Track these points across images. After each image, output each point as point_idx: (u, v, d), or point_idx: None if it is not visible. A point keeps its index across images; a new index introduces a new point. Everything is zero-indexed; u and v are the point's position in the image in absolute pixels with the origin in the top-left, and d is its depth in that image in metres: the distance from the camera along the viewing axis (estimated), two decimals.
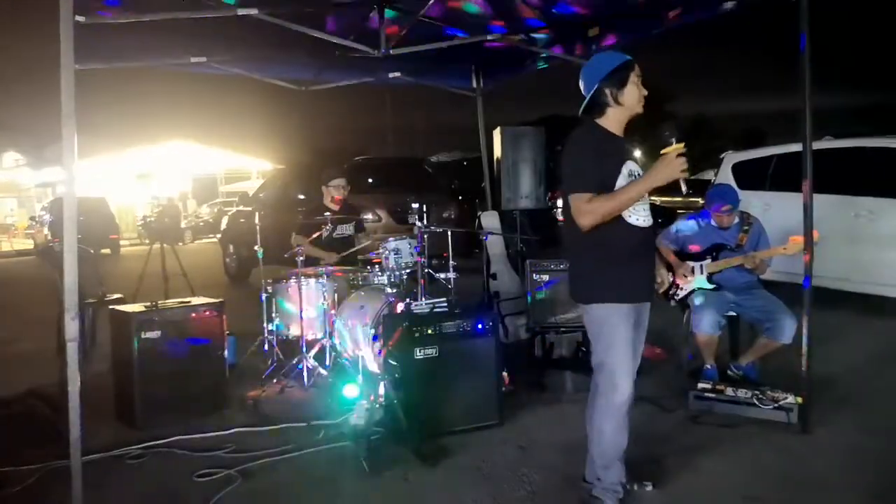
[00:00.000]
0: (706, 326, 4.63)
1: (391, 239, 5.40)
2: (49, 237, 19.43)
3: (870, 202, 6.83)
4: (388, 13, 5.29)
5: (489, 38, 5.76)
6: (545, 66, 6.68)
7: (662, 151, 2.83)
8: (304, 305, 5.30)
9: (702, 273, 4.87)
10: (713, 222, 4.89)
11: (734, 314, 4.92)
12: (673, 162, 2.79)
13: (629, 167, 2.93)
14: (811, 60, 3.80)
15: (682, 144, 2.81)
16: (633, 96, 2.98)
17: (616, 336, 2.95)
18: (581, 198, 2.86)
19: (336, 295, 5.40)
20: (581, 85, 3.04)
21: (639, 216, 2.97)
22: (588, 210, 2.84)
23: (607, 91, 2.97)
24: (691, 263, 4.91)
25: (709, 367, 4.74)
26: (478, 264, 6.82)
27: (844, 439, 3.88)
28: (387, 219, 9.77)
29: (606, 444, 3.05)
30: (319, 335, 5.39)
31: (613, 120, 3.01)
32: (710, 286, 4.84)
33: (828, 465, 3.57)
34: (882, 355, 5.58)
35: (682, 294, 4.96)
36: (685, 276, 4.90)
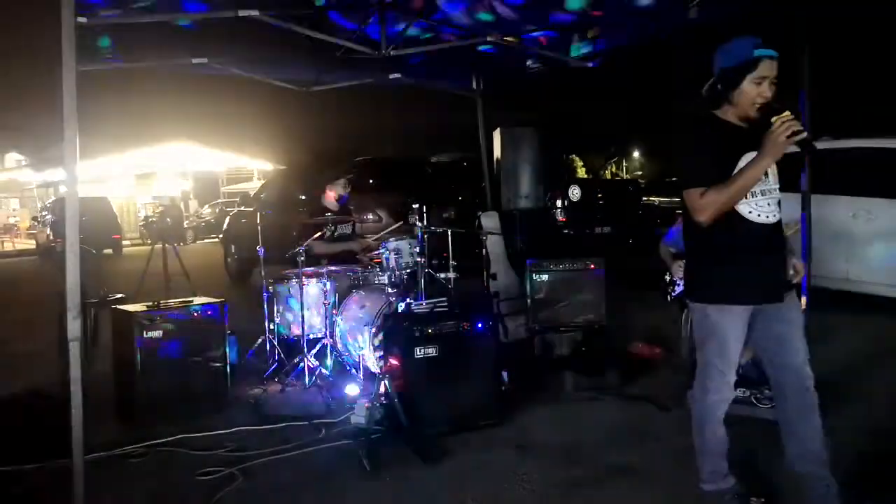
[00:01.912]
0: None
1: (391, 239, 5.42)
2: (51, 237, 19.47)
3: (868, 202, 6.84)
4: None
5: (488, 39, 5.77)
6: (545, 67, 6.69)
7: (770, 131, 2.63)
8: (305, 305, 5.32)
9: None
10: None
11: None
12: (774, 132, 2.58)
13: (750, 157, 2.70)
14: (811, 59, 3.82)
15: (785, 113, 2.61)
16: (746, 98, 2.72)
17: (724, 338, 2.86)
18: (694, 193, 2.70)
19: (337, 294, 5.43)
20: (713, 66, 2.81)
21: (759, 210, 2.76)
22: (702, 205, 2.68)
23: (719, 86, 2.77)
24: None
25: None
26: (478, 264, 6.83)
27: (843, 440, 3.86)
28: (387, 219, 9.78)
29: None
30: (320, 335, 5.41)
31: (729, 113, 2.81)
32: None
33: (830, 466, 3.56)
34: (881, 356, 5.58)
35: (679, 290, 4.98)
36: (681, 274, 4.92)
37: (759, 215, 2.76)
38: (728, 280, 2.79)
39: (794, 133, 2.56)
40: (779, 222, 2.84)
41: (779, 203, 2.84)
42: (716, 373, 2.93)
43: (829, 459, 2.96)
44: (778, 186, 2.84)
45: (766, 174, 2.76)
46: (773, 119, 2.60)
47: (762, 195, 2.77)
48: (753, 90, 2.69)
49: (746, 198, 2.74)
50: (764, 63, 2.68)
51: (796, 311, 2.93)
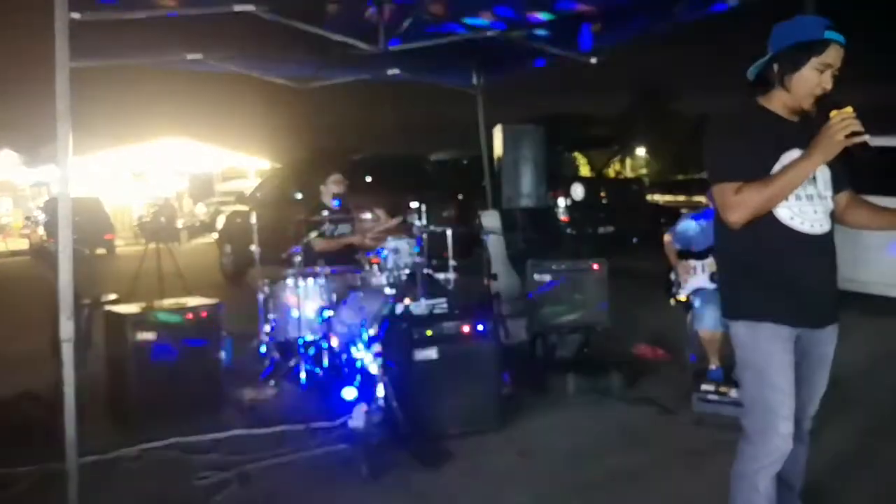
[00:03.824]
0: (709, 322, 4.60)
1: (390, 239, 5.36)
2: (44, 237, 19.35)
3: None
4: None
5: (489, 34, 5.71)
6: (546, 62, 6.63)
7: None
8: (302, 306, 5.25)
9: (703, 272, 4.84)
10: None
11: None
12: (830, 128, 2.22)
13: (793, 155, 2.35)
14: None
15: (846, 109, 2.25)
16: (805, 85, 2.35)
17: (766, 363, 2.42)
18: (727, 188, 2.33)
19: (334, 295, 5.35)
20: (769, 45, 2.45)
21: (804, 218, 2.40)
22: (736, 202, 2.32)
23: (775, 67, 2.39)
24: (693, 262, 4.88)
25: (713, 367, 4.70)
26: (478, 264, 6.77)
27: (847, 441, 3.85)
28: (385, 218, 9.71)
29: None
30: (317, 336, 5.34)
31: (778, 102, 2.44)
32: (712, 285, 4.81)
33: (831, 466, 3.52)
34: (885, 356, 5.55)
35: (683, 293, 4.93)
36: (686, 275, 4.88)
37: (801, 222, 2.39)
38: (763, 294, 2.43)
39: (854, 134, 2.21)
40: (827, 234, 2.46)
41: (830, 214, 2.48)
42: (759, 410, 2.44)
43: (801, 488, 2.71)
44: (830, 194, 2.49)
45: (814, 178, 2.43)
46: (833, 113, 2.25)
47: (808, 200, 2.42)
48: (815, 78, 2.33)
49: (787, 199, 2.38)
50: (832, 48, 2.33)
51: (829, 347, 2.59)
